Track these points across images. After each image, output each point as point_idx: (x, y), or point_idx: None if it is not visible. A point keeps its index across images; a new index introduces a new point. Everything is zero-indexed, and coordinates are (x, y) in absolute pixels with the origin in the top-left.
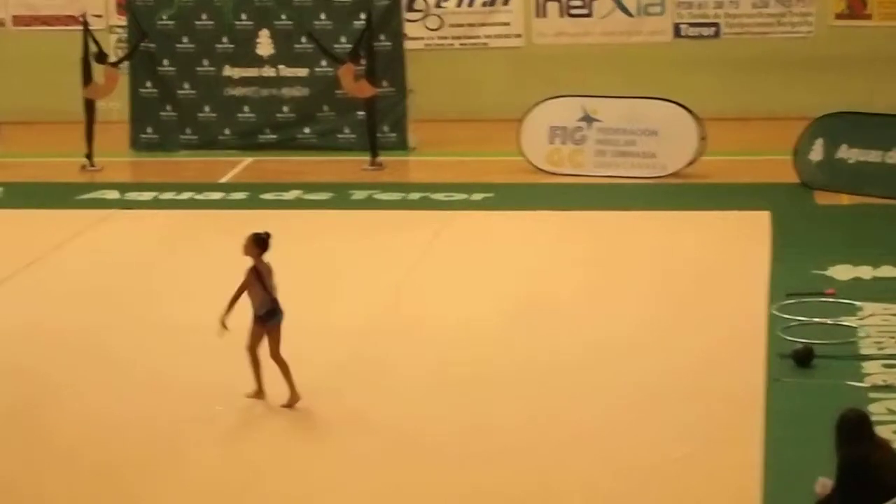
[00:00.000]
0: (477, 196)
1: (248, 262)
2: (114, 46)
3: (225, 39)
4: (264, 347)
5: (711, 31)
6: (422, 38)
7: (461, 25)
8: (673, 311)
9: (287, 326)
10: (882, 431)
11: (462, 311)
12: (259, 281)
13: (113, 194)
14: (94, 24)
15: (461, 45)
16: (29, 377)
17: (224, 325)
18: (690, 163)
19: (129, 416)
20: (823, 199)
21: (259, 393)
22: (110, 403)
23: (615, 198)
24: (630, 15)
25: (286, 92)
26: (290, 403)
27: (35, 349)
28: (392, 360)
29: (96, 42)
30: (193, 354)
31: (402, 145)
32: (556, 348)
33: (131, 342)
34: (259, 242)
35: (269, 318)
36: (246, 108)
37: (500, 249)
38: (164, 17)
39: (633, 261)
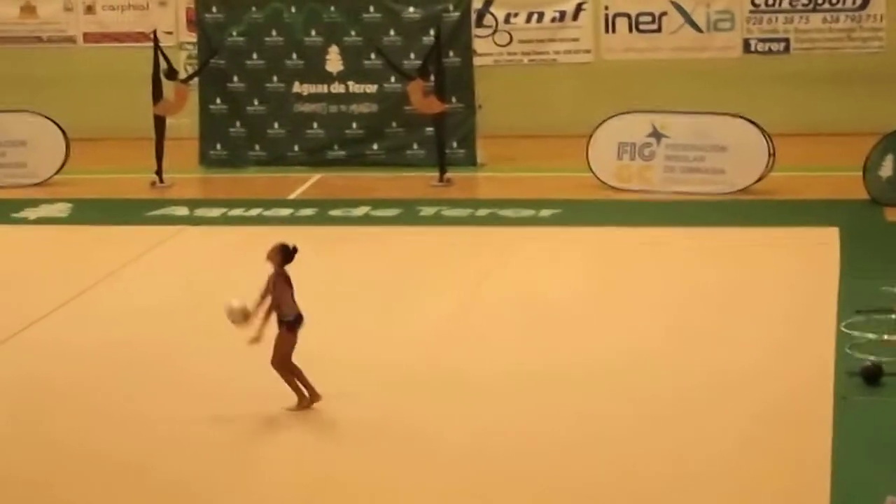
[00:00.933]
0: (545, 212)
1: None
2: (184, 63)
3: (294, 56)
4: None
5: (781, 46)
6: (491, 54)
7: (530, 41)
8: (741, 326)
9: (351, 336)
10: None
11: (527, 324)
12: (289, 286)
13: (182, 211)
14: (165, 41)
15: (530, 60)
16: (98, 394)
17: (258, 339)
18: (759, 179)
19: (196, 432)
20: (893, 215)
21: (312, 397)
22: (178, 419)
23: (684, 214)
24: (699, 30)
25: (355, 108)
26: (302, 406)
27: (105, 366)
28: (455, 370)
29: (166, 59)
30: (261, 370)
31: (470, 161)
32: (615, 358)
33: (199, 358)
34: (285, 252)
35: (298, 323)
36: (315, 125)
37: (568, 266)
38: (234, 34)
39: (701, 277)
